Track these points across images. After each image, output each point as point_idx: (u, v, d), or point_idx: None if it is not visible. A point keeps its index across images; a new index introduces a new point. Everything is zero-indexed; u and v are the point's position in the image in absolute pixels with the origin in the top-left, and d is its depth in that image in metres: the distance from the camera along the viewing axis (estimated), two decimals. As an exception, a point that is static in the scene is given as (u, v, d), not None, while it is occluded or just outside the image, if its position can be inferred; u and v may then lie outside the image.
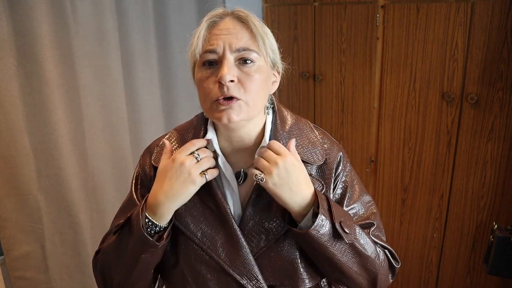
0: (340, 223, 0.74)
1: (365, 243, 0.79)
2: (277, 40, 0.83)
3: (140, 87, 1.84)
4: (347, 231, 0.74)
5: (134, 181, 0.90)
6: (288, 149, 0.77)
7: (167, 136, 0.89)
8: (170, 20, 1.89)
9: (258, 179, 0.73)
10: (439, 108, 1.72)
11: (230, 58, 0.74)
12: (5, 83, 1.46)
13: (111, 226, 0.88)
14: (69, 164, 1.63)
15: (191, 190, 0.76)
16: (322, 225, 0.72)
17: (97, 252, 0.88)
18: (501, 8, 1.47)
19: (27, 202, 1.58)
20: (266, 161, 0.74)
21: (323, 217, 0.72)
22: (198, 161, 0.76)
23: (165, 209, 0.76)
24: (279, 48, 0.84)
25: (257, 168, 0.75)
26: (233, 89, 0.73)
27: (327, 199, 0.76)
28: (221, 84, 0.73)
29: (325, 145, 0.85)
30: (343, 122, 2.12)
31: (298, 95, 2.31)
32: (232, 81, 0.73)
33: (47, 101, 1.54)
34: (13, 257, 1.59)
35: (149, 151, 0.90)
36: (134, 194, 0.87)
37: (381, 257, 0.84)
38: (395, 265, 0.88)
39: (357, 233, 0.77)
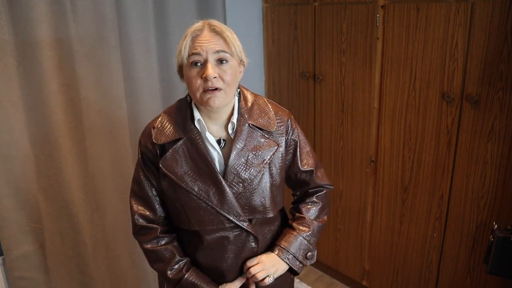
0: (306, 255, 1.19)
1: (317, 233, 1.22)
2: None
3: (140, 87, 1.84)
4: (309, 257, 1.20)
5: (141, 161, 1.14)
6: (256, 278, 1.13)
7: (160, 119, 1.13)
8: (170, 20, 1.89)
9: (270, 280, 1.13)
10: (439, 108, 1.72)
11: (211, 60, 1.01)
12: (5, 83, 1.46)
13: (133, 208, 1.16)
14: (69, 164, 1.63)
15: None
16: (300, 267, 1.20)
17: (136, 232, 1.17)
18: (501, 8, 1.47)
19: (27, 202, 1.58)
20: (261, 270, 1.12)
21: (299, 265, 1.19)
22: None
23: None
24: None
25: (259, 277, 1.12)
26: (215, 82, 1.01)
27: (289, 252, 1.16)
28: (206, 80, 1.00)
29: (276, 116, 1.15)
30: (343, 122, 2.12)
31: (298, 95, 2.31)
32: (215, 77, 1.00)
33: (47, 101, 1.54)
34: (13, 257, 1.59)
35: (147, 133, 1.13)
36: (144, 171, 1.13)
37: (323, 205, 1.26)
38: (330, 189, 1.30)
39: (311, 244, 1.20)
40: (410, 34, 1.73)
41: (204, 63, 1.00)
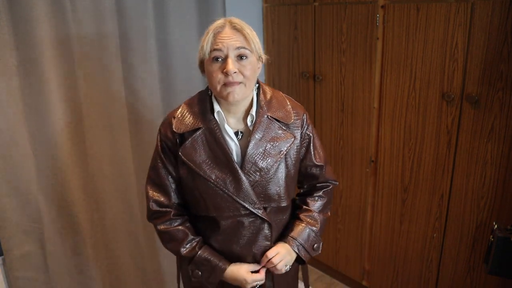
0: (313, 246, 1.26)
1: (323, 226, 1.30)
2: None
3: (140, 87, 1.84)
4: (315, 248, 1.26)
5: (160, 149, 1.19)
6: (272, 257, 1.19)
7: (180, 109, 1.19)
8: (170, 20, 1.89)
9: (287, 269, 1.21)
10: (439, 108, 1.72)
11: (232, 56, 1.06)
12: (5, 83, 1.46)
13: (149, 194, 1.22)
14: (69, 164, 1.63)
15: None
16: (306, 256, 1.26)
17: (150, 216, 1.24)
18: (501, 8, 1.47)
19: (27, 202, 1.58)
20: (280, 261, 1.19)
21: (308, 256, 1.26)
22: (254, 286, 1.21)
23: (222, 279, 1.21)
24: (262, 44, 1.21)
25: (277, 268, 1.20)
26: (235, 77, 1.06)
27: (300, 244, 1.23)
28: (227, 74, 1.06)
29: (293, 110, 1.21)
30: (343, 122, 2.12)
31: (298, 95, 2.31)
32: (235, 72, 1.06)
33: (47, 101, 1.54)
34: (13, 257, 1.59)
35: (168, 123, 1.18)
36: (162, 158, 1.19)
37: (328, 200, 1.33)
38: (335, 185, 1.36)
39: (317, 236, 1.27)
40: (410, 34, 1.73)
41: (225, 59, 1.06)
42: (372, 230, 2.15)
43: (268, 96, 1.20)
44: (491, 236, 1.50)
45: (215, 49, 1.06)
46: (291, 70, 2.31)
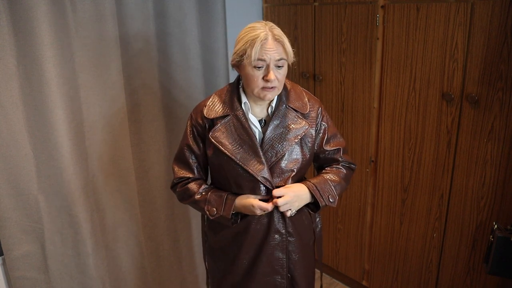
0: (328, 197, 1.34)
1: (340, 188, 1.40)
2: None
3: (140, 87, 1.84)
4: (331, 200, 1.35)
5: (189, 132, 1.38)
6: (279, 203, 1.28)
7: (211, 99, 1.37)
8: (170, 20, 1.89)
9: (292, 213, 1.32)
10: (439, 108, 1.72)
11: (272, 66, 1.24)
12: (5, 83, 1.46)
13: (175, 171, 1.41)
14: (69, 164, 1.63)
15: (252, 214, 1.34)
16: (323, 204, 1.35)
17: (172, 186, 1.44)
18: (501, 8, 1.47)
19: (27, 202, 1.58)
20: (287, 202, 1.28)
21: (322, 200, 1.34)
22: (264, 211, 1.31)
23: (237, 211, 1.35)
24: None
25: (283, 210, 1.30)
26: (273, 83, 1.25)
27: (316, 188, 1.34)
28: (267, 81, 1.24)
29: (309, 102, 1.39)
30: (343, 122, 2.12)
31: (298, 95, 2.31)
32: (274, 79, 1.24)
33: (47, 101, 1.54)
34: (13, 257, 1.59)
35: (199, 109, 1.37)
36: (190, 141, 1.38)
37: (347, 176, 1.45)
38: (353, 168, 1.51)
39: (334, 190, 1.37)
40: (410, 34, 1.74)
41: (267, 67, 1.23)
42: (372, 230, 2.15)
43: (288, 89, 1.39)
44: (491, 236, 1.50)
45: (259, 59, 1.22)
46: (291, 70, 2.31)
